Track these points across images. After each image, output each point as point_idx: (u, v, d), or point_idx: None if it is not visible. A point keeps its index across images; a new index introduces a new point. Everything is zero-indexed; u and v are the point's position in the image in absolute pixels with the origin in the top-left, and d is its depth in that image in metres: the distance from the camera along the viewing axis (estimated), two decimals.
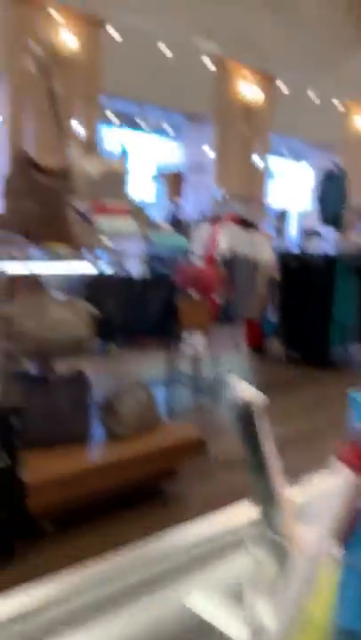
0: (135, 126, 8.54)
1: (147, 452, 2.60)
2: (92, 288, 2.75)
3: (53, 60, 2.43)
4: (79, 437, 2.49)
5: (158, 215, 7.18)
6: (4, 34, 6.19)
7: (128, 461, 2.52)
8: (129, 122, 8.42)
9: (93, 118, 6.76)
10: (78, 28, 6.67)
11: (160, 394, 3.55)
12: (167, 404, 3.87)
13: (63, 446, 2.38)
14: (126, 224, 2.91)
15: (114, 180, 2.93)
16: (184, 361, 4.28)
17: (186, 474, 2.85)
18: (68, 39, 6.56)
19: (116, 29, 6.79)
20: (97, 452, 2.53)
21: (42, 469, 2.20)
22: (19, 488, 2.04)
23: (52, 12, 6.41)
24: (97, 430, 2.61)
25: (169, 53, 7.15)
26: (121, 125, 8.29)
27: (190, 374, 4.40)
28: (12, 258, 2.42)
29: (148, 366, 3.83)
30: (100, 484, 2.41)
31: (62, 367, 2.58)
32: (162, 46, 7.10)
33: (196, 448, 2.78)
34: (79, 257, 2.70)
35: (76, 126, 5.94)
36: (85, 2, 6.46)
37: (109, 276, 2.96)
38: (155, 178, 9.52)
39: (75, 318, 2.41)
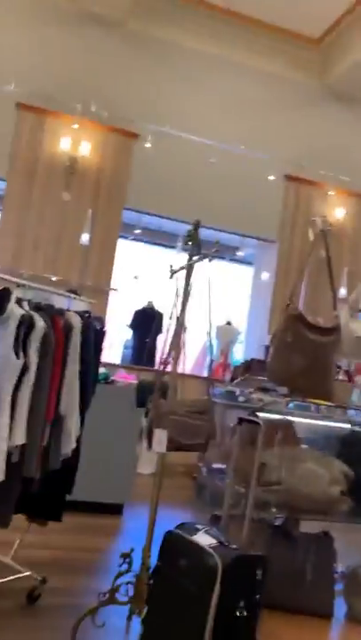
0: None
1: None
2: (347, 446, 2.69)
3: (330, 231, 2.72)
4: (321, 609, 2.30)
5: None
6: (282, 210, 7.08)
7: None
8: None
9: (356, 283, 7.01)
10: (346, 204, 7.26)
11: None
12: None
13: (304, 615, 2.21)
14: None
15: None
16: None
17: None
18: (338, 213, 7.17)
19: None
20: (340, 633, 2.29)
21: None
22: None
23: (328, 190, 7.15)
24: (338, 604, 2.38)
25: None
26: None
27: None
28: (274, 407, 2.53)
29: None
30: None
31: (308, 526, 2.49)
32: None
33: None
34: (337, 414, 2.69)
35: (342, 290, 6.23)
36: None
37: None
38: None
39: (328, 475, 2.36)
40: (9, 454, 2.30)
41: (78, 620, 2.34)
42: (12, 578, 2.64)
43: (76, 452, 2.80)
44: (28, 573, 2.69)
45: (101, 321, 3.00)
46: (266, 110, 7.04)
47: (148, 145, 6.38)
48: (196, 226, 2.50)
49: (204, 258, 2.44)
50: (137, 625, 2.34)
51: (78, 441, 2.83)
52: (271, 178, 6.85)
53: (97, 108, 6.16)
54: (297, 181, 7.11)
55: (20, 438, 2.30)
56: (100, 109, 6.18)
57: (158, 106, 6.60)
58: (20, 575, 2.67)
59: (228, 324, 7.91)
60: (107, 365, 4.57)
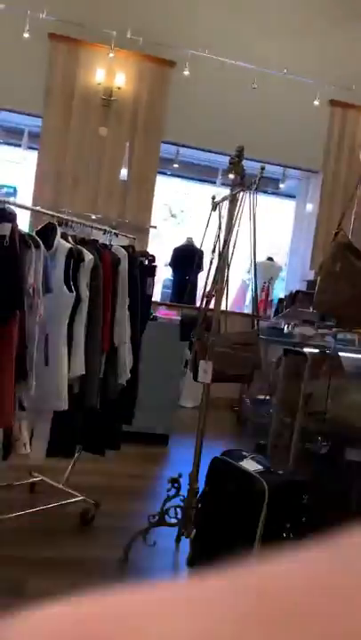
0: None
1: None
2: None
3: None
4: None
5: None
6: (326, 138, 6.76)
7: None
8: None
9: None
10: None
11: None
12: None
13: None
14: None
15: None
16: None
17: None
18: None
19: None
20: None
21: None
22: None
23: None
24: None
25: None
26: None
27: None
28: (320, 339, 2.51)
29: None
30: None
31: (353, 455, 2.52)
32: None
33: None
34: None
35: None
36: None
37: None
38: None
39: None
40: (70, 385, 2.38)
41: (131, 538, 2.47)
42: (66, 502, 2.79)
43: (135, 384, 2.88)
44: (80, 497, 2.83)
45: (148, 256, 3.00)
46: (309, 31, 6.60)
47: (186, 73, 6.12)
48: (240, 152, 2.42)
49: (250, 186, 2.37)
50: (186, 546, 2.46)
51: (137, 373, 2.90)
52: (316, 103, 6.50)
53: (132, 35, 5.90)
54: (343, 107, 6.73)
55: (79, 369, 2.37)
56: (135, 36, 5.92)
57: (195, 31, 6.27)
58: (75, 500, 2.82)
59: (270, 259, 7.77)
60: None
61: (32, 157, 6.31)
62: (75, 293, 2.31)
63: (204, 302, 2.48)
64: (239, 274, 7.53)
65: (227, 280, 2.51)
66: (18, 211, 2.35)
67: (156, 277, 3.21)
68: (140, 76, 6.24)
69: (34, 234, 2.32)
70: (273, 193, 8.06)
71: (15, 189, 8.04)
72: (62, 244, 2.31)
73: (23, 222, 5.18)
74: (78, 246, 2.40)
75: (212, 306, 2.50)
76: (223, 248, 2.44)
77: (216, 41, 6.24)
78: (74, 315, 2.33)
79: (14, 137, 6.93)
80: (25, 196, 6.58)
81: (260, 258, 7.59)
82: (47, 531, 2.65)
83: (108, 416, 2.67)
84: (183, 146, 6.85)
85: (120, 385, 2.65)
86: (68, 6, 5.91)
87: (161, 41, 6.06)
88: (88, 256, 2.37)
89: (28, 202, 5.91)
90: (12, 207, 2.27)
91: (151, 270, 3.02)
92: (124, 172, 6.12)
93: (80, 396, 2.43)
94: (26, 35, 5.71)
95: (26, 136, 6.69)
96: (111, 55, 6.00)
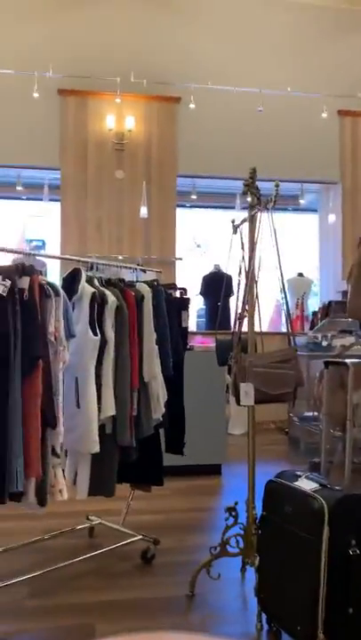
0: None
1: None
2: None
3: None
4: None
5: None
6: (340, 148, 6.77)
7: None
8: None
9: None
10: None
11: None
12: None
13: None
14: None
15: None
16: None
17: None
18: None
19: None
20: None
21: None
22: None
23: None
24: None
25: None
26: None
27: None
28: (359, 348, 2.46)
29: None
30: None
31: None
32: None
33: None
34: None
35: None
36: None
37: None
38: None
39: None
40: (102, 426, 2.40)
41: (194, 573, 2.43)
42: (125, 542, 2.77)
43: (180, 415, 2.88)
44: (139, 536, 2.81)
45: (180, 288, 3.03)
46: (307, 46, 6.70)
47: (191, 106, 6.26)
48: (253, 173, 2.44)
49: (266, 205, 2.38)
50: (251, 574, 2.40)
51: (181, 405, 2.90)
52: (324, 115, 6.54)
53: (135, 78, 6.09)
54: (352, 115, 6.75)
55: (110, 410, 2.39)
56: (139, 79, 6.11)
57: (196, 64, 6.44)
58: (133, 539, 2.80)
59: (300, 275, 7.72)
60: None
61: (55, 209, 6.50)
62: (99, 337, 2.35)
63: (237, 324, 2.47)
64: (272, 294, 7.49)
65: (257, 298, 2.50)
66: (48, 261, 2.44)
67: (190, 309, 3.23)
68: (148, 115, 6.42)
69: (60, 281, 2.39)
70: (294, 209, 8.05)
71: (44, 242, 8.28)
72: (86, 289, 2.36)
73: (54, 272, 5.30)
74: (102, 288, 2.45)
75: (246, 328, 2.49)
76: (248, 268, 2.44)
77: (217, 71, 6.39)
78: (101, 357, 2.37)
79: (35, 192, 7.18)
80: (53, 246, 6.77)
81: (291, 274, 7.56)
82: (110, 573, 2.63)
83: (149, 451, 2.67)
84: (198, 177, 6.96)
85: (156, 420, 2.65)
86: (72, 61, 6.17)
87: (164, 79, 6.24)
88: (111, 298, 2.42)
89: (57, 252, 6.08)
90: (42, 258, 2.36)
91: (185, 303, 3.04)
92: (143, 210, 6.25)
93: (113, 435, 2.44)
94: (35, 94, 5.97)
95: (46, 189, 6.91)
96: (118, 100, 6.21)
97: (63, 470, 2.51)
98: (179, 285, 3.16)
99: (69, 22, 6.35)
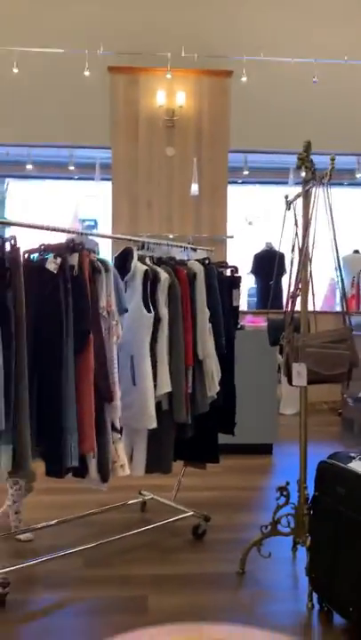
0: None
1: None
2: None
3: None
4: None
5: None
6: None
7: None
8: None
9: None
10: None
11: None
12: None
13: None
14: None
15: None
16: None
17: None
18: None
19: None
20: None
21: None
22: None
23: None
24: None
25: None
26: None
27: None
28: None
29: None
30: None
31: None
32: None
33: None
34: None
35: None
36: None
37: None
38: None
39: None
40: (159, 403, 2.42)
41: (245, 550, 2.44)
42: (176, 518, 2.81)
43: (232, 394, 2.88)
44: (190, 512, 2.84)
45: (231, 266, 3.00)
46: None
47: (243, 79, 6.11)
48: (307, 147, 2.36)
49: (321, 179, 2.30)
50: (302, 554, 2.39)
51: (233, 383, 2.89)
52: None
53: (186, 53, 5.99)
54: None
55: (165, 386, 2.40)
56: (190, 53, 6.00)
57: (246, 35, 6.26)
58: (184, 515, 2.83)
59: (356, 252, 7.49)
60: None
61: (107, 188, 6.54)
62: (153, 313, 2.35)
63: (290, 303, 2.42)
64: (326, 272, 7.32)
65: (311, 277, 2.44)
66: (100, 240, 2.46)
67: (241, 288, 3.19)
68: (199, 91, 6.31)
69: (112, 260, 2.40)
70: (350, 184, 7.79)
71: (96, 222, 8.36)
72: (139, 267, 2.37)
73: (106, 251, 5.35)
74: (154, 266, 2.44)
75: (298, 307, 2.44)
76: (302, 245, 2.38)
77: (269, 42, 6.20)
78: (155, 334, 2.37)
79: (87, 171, 7.23)
80: (105, 225, 6.82)
81: (346, 252, 7.35)
82: (162, 548, 2.68)
83: (204, 429, 2.67)
84: (251, 152, 6.82)
85: (210, 398, 2.65)
86: (122, 38, 6.12)
87: (215, 53, 6.11)
88: (163, 275, 2.41)
89: (108, 231, 6.12)
90: (94, 238, 2.38)
91: (236, 281, 3.01)
92: (194, 188, 6.18)
93: (169, 412, 2.45)
94: (86, 72, 5.97)
95: (98, 168, 6.95)
96: (169, 76, 6.12)
97: None
98: (230, 264, 3.12)
99: (119, 0, 6.28)
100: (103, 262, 2.20)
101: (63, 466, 2.05)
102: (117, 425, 2.22)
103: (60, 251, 2.10)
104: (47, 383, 2.06)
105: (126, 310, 2.28)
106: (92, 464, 2.17)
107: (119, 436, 2.24)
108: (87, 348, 2.08)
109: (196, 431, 2.61)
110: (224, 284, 2.84)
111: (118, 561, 2.53)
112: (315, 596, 2.16)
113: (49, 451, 2.08)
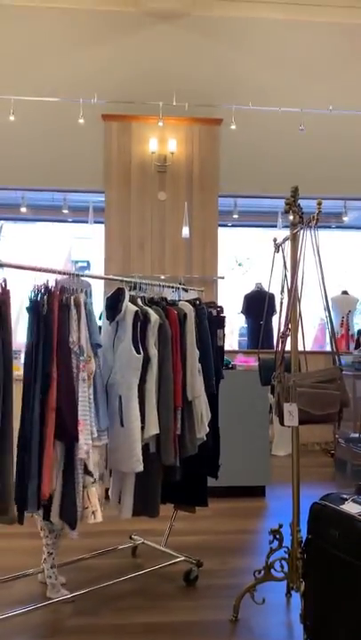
0: None
1: None
2: None
3: None
4: None
5: None
6: None
7: None
8: None
9: None
10: None
11: None
12: None
13: None
14: None
15: None
16: None
17: None
18: None
19: None
20: None
21: None
22: None
23: None
24: None
25: None
26: None
27: None
28: None
29: None
30: None
31: None
32: None
33: None
34: None
35: None
36: None
37: None
38: None
39: None
40: (146, 445, 2.39)
41: (238, 597, 2.38)
42: (168, 563, 2.75)
43: (216, 436, 2.85)
44: (182, 558, 2.78)
45: (216, 306, 3.03)
46: (346, 62, 6.68)
47: (233, 127, 6.31)
48: (295, 192, 2.44)
49: (309, 223, 2.36)
50: (296, 600, 2.33)
51: (216, 426, 2.87)
52: None
53: (177, 102, 6.20)
54: None
55: (153, 428, 2.38)
56: (181, 102, 6.21)
57: (236, 85, 6.50)
58: (176, 560, 2.77)
59: (345, 293, 7.60)
60: (225, 352, 4.59)
61: (100, 230, 6.64)
62: (142, 354, 2.35)
63: (280, 343, 2.45)
64: (316, 312, 7.40)
65: (300, 317, 2.48)
66: (93, 281, 2.50)
67: (227, 328, 3.19)
68: (190, 138, 6.51)
69: (104, 301, 2.43)
70: (338, 227, 7.97)
71: (88, 263, 8.46)
72: (129, 308, 2.39)
73: (99, 292, 5.39)
74: (145, 307, 2.47)
75: (289, 347, 2.46)
76: (291, 286, 2.42)
77: (257, 92, 6.43)
78: (145, 375, 2.37)
79: (81, 214, 7.35)
80: (98, 266, 6.90)
81: (335, 292, 7.45)
82: (154, 594, 2.61)
83: (191, 472, 2.64)
84: (240, 196, 6.98)
85: (200, 439, 2.63)
86: (116, 88, 6.34)
87: (205, 102, 6.32)
88: (153, 316, 2.44)
89: (101, 272, 6.18)
90: (87, 278, 2.41)
91: (220, 321, 3.02)
92: (185, 231, 6.29)
93: (157, 454, 2.42)
94: (81, 120, 6.15)
95: (91, 211, 7.07)
96: (160, 124, 6.31)
97: (107, 490, 2.51)
98: (221, 304, 3.15)
99: (113, 50, 6.54)
100: (74, 299, 2.23)
101: (23, 512, 2.03)
102: (90, 467, 2.18)
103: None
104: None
105: (99, 346, 2.30)
106: (54, 509, 2.12)
107: (92, 479, 2.19)
108: (50, 390, 2.09)
109: (185, 474, 2.57)
110: (211, 324, 2.85)
111: (109, 609, 2.46)
112: None
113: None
